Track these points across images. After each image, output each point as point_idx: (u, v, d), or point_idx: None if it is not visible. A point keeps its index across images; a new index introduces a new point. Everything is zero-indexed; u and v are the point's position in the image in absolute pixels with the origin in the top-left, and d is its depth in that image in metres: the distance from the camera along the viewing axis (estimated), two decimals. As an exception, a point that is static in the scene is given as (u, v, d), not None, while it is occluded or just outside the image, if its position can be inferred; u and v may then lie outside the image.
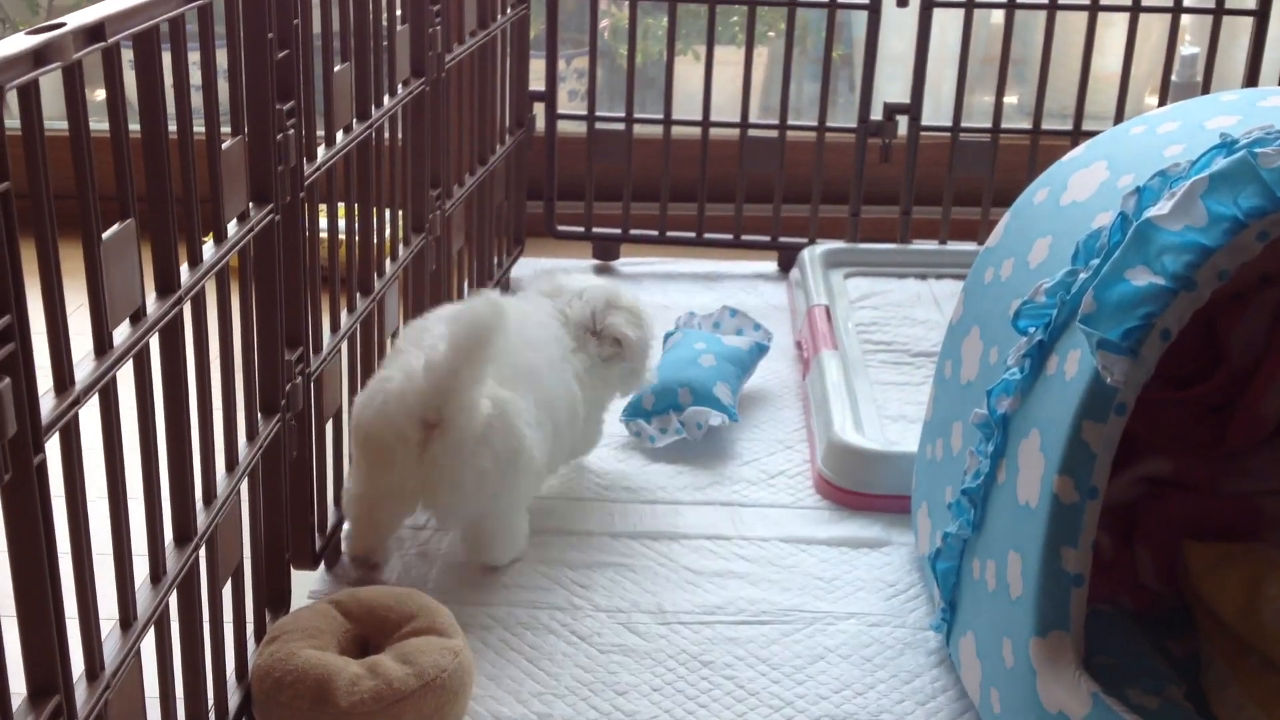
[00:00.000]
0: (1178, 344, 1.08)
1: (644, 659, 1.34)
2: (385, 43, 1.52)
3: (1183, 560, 1.29)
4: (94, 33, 0.85)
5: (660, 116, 2.34)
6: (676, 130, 2.35)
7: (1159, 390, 1.44)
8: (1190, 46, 2.86)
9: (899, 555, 1.53)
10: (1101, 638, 1.23)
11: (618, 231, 2.40)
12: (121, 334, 0.93)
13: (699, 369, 1.79)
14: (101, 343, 0.90)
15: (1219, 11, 2.21)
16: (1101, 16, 2.23)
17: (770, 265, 2.43)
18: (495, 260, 2.19)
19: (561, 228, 2.42)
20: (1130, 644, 1.24)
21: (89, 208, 0.86)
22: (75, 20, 0.83)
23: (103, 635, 0.93)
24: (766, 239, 2.40)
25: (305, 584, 1.42)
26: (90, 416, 0.90)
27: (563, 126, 2.40)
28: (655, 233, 2.40)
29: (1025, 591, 1.11)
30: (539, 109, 2.36)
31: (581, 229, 2.41)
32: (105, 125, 0.92)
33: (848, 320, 2.05)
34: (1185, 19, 2.33)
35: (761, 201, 2.43)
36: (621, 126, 2.35)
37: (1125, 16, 2.23)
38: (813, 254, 2.26)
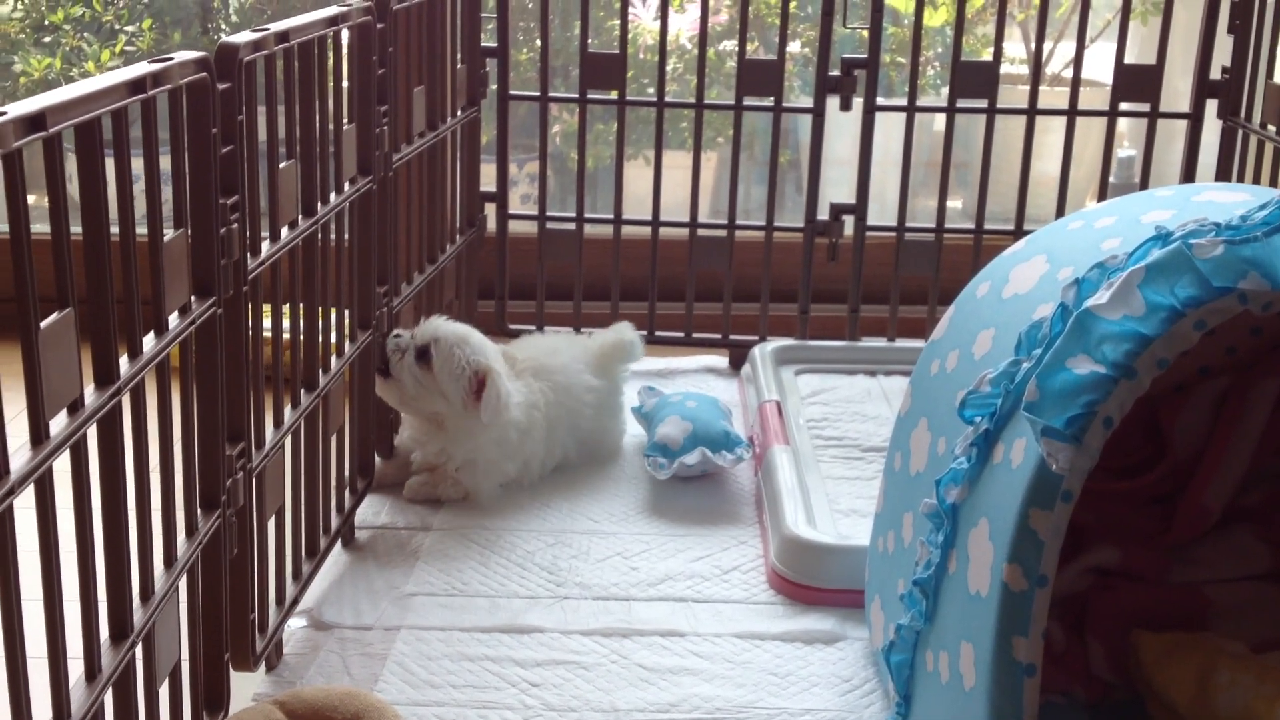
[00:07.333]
0: (1123, 436, 1.10)
1: (594, 759, 1.31)
2: (332, 141, 1.53)
3: (1133, 651, 1.28)
4: (34, 122, 0.85)
5: (610, 216, 2.36)
6: (626, 230, 2.37)
7: (1105, 482, 1.45)
8: (1128, 149, 2.93)
9: (853, 650, 1.51)
10: (1055, 730, 1.22)
11: (570, 330, 2.40)
12: (59, 424, 0.92)
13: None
14: (38, 432, 0.89)
15: (1154, 115, 2.27)
16: (1041, 123, 2.28)
17: (722, 361, 2.44)
18: (445, 359, 2.18)
19: (513, 326, 2.42)
20: (1084, 736, 1.24)
21: (26, 292, 0.85)
22: (15, 109, 0.83)
23: (33, 735, 0.90)
24: (717, 336, 2.41)
25: (248, 685, 1.39)
26: (25, 508, 0.88)
27: (514, 227, 2.41)
28: (607, 331, 2.40)
29: (978, 682, 1.10)
30: (490, 209, 2.38)
31: (533, 327, 2.41)
32: (46, 227, 0.92)
33: (799, 416, 2.06)
34: (1122, 123, 2.39)
35: (711, 300, 2.45)
36: (572, 226, 2.37)
37: (1063, 122, 2.28)
38: (763, 351, 2.28)
